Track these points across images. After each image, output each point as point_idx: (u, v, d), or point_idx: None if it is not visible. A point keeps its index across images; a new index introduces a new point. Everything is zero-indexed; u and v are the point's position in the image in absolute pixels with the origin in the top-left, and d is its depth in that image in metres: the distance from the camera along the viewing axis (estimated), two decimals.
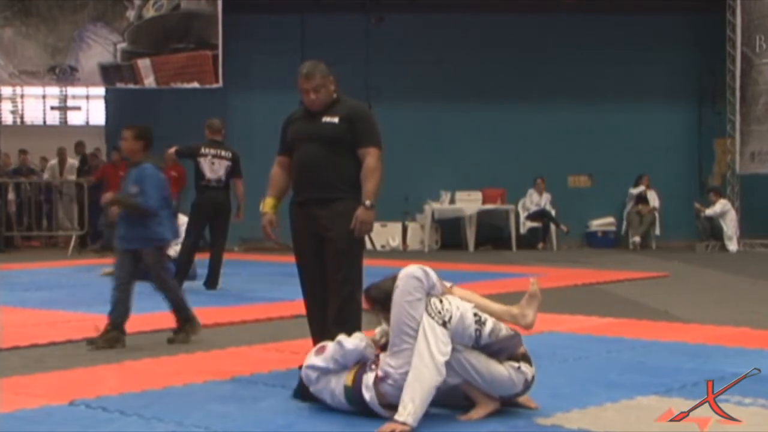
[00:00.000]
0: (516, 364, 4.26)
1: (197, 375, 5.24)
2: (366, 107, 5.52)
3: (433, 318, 4.16)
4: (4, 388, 4.97)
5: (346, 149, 5.22)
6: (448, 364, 4.13)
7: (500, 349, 4.27)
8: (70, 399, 4.61)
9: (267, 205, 5.49)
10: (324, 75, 5.24)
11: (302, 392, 4.56)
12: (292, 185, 5.42)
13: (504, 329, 4.33)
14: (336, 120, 5.22)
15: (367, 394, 4.22)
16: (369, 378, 4.24)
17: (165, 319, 7.66)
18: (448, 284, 4.48)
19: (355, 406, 4.27)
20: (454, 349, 4.17)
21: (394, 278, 4.32)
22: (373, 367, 4.27)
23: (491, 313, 4.41)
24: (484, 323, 4.27)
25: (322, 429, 4.16)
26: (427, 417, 4.18)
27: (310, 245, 5.27)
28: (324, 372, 4.38)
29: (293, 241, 5.39)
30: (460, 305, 4.28)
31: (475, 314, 4.29)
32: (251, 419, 4.25)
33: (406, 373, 4.11)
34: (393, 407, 4.11)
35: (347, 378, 4.31)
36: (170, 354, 6.01)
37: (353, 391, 4.26)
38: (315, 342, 5.05)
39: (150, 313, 8.01)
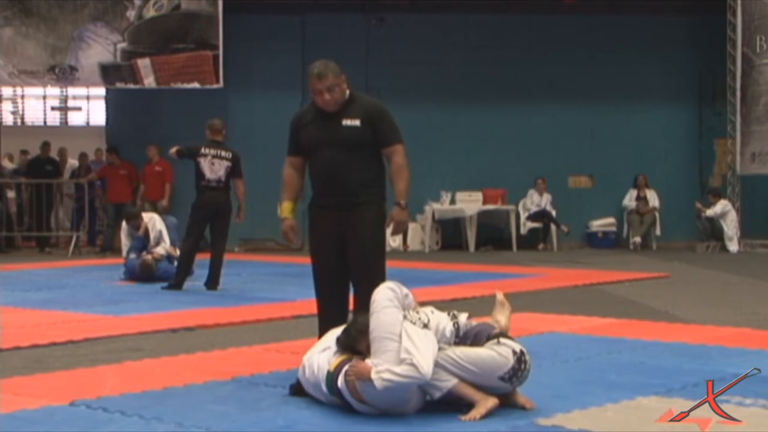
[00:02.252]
0: (495, 340, 4.33)
1: (198, 375, 5.24)
2: (381, 103, 5.37)
3: (414, 324, 4.30)
4: (5, 388, 4.97)
5: (369, 151, 5.17)
6: (439, 365, 4.20)
7: (477, 333, 4.37)
8: (70, 399, 4.61)
9: (285, 209, 5.38)
10: (336, 74, 5.12)
11: (297, 387, 4.66)
12: (314, 190, 5.30)
13: (473, 322, 4.51)
14: (357, 123, 5.12)
15: (340, 380, 4.29)
16: (348, 366, 4.31)
17: (165, 319, 7.69)
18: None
19: (330, 390, 4.34)
20: (440, 348, 4.26)
21: (363, 314, 4.45)
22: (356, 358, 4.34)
23: None
24: (457, 317, 4.45)
25: (322, 429, 4.16)
26: (428, 417, 4.20)
27: (331, 248, 5.20)
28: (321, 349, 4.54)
29: (312, 242, 5.31)
30: (433, 310, 4.48)
31: (447, 313, 4.47)
32: (252, 420, 4.25)
33: (385, 371, 4.15)
34: (362, 402, 4.23)
35: (332, 363, 4.37)
36: (171, 355, 6.01)
37: (333, 377, 4.33)
38: None
39: (150, 314, 8.04)
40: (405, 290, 4.48)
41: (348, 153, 5.12)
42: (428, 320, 4.36)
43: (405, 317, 4.33)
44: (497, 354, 4.26)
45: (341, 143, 5.12)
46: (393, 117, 5.28)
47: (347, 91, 5.19)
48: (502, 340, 4.34)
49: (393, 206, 5.22)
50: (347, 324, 4.60)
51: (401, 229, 5.27)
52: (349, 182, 5.13)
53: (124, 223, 11.39)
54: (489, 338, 4.34)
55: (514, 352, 4.29)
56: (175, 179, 15.18)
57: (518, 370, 4.29)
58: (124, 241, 11.23)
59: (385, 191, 5.28)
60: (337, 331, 4.60)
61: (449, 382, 4.22)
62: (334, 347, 4.51)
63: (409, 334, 4.21)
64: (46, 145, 16.55)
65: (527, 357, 4.33)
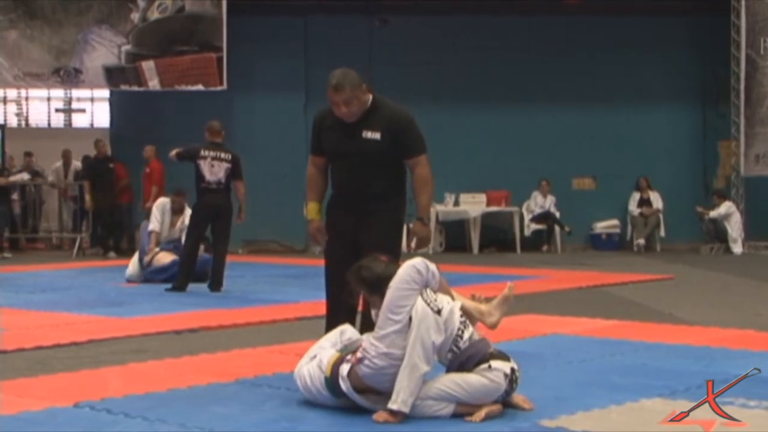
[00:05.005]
0: (485, 365, 4.25)
1: (201, 377, 5.24)
2: (405, 112, 5.24)
3: (428, 305, 4.23)
4: (9, 390, 4.97)
5: (389, 162, 5.12)
6: (431, 397, 4.19)
7: (469, 356, 4.28)
8: (74, 401, 4.60)
9: (312, 211, 5.34)
10: (354, 86, 4.99)
11: None
12: (334, 190, 5.30)
13: (476, 335, 4.39)
14: (378, 136, 5.04)
15: (344, 385, 4.30)
16: (344, 369, 4.31)
17: (169, 321, 7.69)
18: (446, 285, 4.52)
19: (334, 394, 4.36)
20: (432, 380, 4.23)
21: (387, 264, 4.44)
22: (349, 358, 4.34)
23: (466, 310, 4.46)
24: (467, 325, 4.35)
25: (325, 430, 4.16)
26: (431, 416, 4.20)
27: (344, 250, 5.19)
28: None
29: (327, 243, 5.30)
30: (450, 302, 4.37)
31: (461, 315, 4.36)
32: (255, 421, 4.25)
33: (382, 355, 4.18)
34: (369, 392, 4.25)
35: (326, 369, 4.38)
36: (174, 356, 6.01)
37: (332, 381, 4.34)
38: None
39: (154, 316, 8.05)
40: (434, 273, 4.36)
41: (367, 165, 5.08)
42: (442, 308, 4.27)
43: (422, 293, 4.26)
44: (488, 381, 4.22)
45: (361, 155, 5.07)
46: (417, 126, 5.18)
47: (369, 100, 5.09)
48: (494, 364, 4.24)
49: (415, 220, 5.20)
50: (368, 266, 4.50)
51: (423, 245, 5.26)
52: (368, 191, 5.12)
53: (162, 200, 11.35)
54: (480, 362, 4.25)
55: (506, 375, 4.25)
56: (172, 181, 15.15)
57: (510, 390, 4.29)
58: (156, 215, 11.10)
59: (405, 197, 5.26)
60: (322, 342, 4.63)
61: (447, 409, 4.22)
62: (321, 354, 4.51)
63: (419, 322, 4.16)
64: (100, 143, 16.03)
65: (518, 373, 4.30)
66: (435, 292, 4.35)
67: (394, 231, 5.24)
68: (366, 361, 4.23)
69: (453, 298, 4.43)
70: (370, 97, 5.12)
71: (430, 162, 5.21)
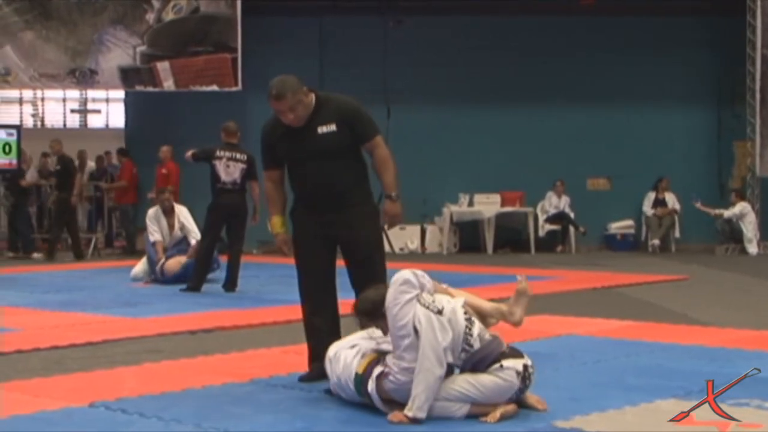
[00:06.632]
0: (497, 365, 4.25)
1: (216, 377, 5.26)
2: (352, 99, 5.20)
3: (428, 308, 4.22)
4: (25, 389, 5.00)
5: (349, 154, 5.08)
6: (445, 398, 4.20)
7: (483, 357, 4.27)
8: (90, 401, 4.63)
9: (276, 225, 5.30)
10: (295, 91, 4.97)
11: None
12: (298, 196, 5.21)
13: (487, 333, 4.36)
14: (333, 128, 5.00)
15: (370, 385, 4.31)
16: (377, 370, 4.32)
17: (183, 321, 7.71)
18: (443, 285, 4.52)
19: (359, 392, 4.37)
20: (445, 381, 4.22)
21: (377, 287, 4.46)
22: (384, 359, 4.35)
23: (481, 310, 4.46)
24: (473, 322, 4.32)
25: (340, 431, 4.17)
26: (446, 417, 4.20)
27: (320, 250, 5.13)
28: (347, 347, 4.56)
29: (299, 245, 5.19)
30: (451, 301, 4.35)
31: (465, 312, 4.33)
32: (270, 421, 4.26)
33: (404, 371, 4.18)
34: (392, 402, 4.25)
35: (360, 366, 4.38)
36: (189, 356, 6.03)
37: (362, 379, 4.35)
38: (314, 354, 5.04)
39: (168, 316, 8.07)
40: (424, 278, 4.35)
41: (330, 160, 5.00)
42: (442, 308, 4.25)
43: (419, 299, 4.24)
44: (502, 380, 4.23)
45: (321, 152, 5.00)
46: (366, 110, 5.16)
47: (312, 100, 5.04)
48: (505, 363, 4.24)
49: (384, 200, 5.11)
50: (362, 297, 4.55)
51: (396, 223, 5.16)
52: (335, 188, 5.04)
53: (150, 211, 11.34)
54: (492, 363, 4.25)
55: (518, 373, 4.25)
56: (188, 181, 15.18)
57: (524, 387, 4.29)
58: (152, 227, 11.02)
59: (370, 186, 5.17)
60: (364, 333, 4.59)
61: (462, 410, 4.23)
62: (361, 345, 4.51)
63: (424, 327, 4.15)
64: (53, 142, 15.52)
65: (531, 369, 4.30)
66: (432, 294, 4.34)
67: (374, 223, 5.15)
68: (390, 377, 4.24)
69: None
70: (313, 96, 5.07)
71: (386, 141, 5.14)
